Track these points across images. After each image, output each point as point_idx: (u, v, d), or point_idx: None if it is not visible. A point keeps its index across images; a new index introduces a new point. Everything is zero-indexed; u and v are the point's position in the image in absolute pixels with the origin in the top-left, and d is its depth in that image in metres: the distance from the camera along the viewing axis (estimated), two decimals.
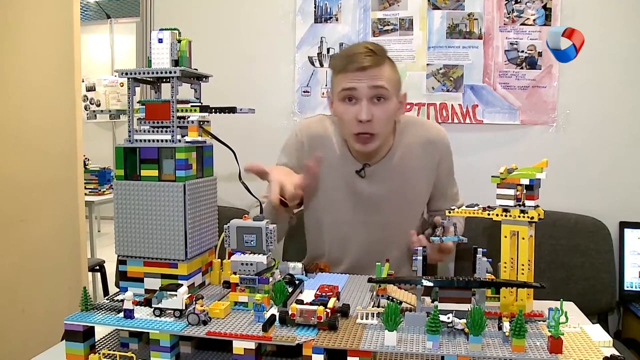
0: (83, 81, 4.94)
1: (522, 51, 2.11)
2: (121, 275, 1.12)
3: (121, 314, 0.99)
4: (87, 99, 5.90)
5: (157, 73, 1.08)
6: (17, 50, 1.88)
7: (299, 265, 1.23)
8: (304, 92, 2.27)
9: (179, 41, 1.10)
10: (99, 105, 5.86)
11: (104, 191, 3.78)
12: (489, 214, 1.03)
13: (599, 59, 2.07)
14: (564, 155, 2.11)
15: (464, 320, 0.89)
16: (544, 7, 2.08)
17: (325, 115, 1.67)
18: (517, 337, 0.84)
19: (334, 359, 0.89)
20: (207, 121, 1.14)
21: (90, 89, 5.88)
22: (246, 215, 1.12)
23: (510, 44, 2.11)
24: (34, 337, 1.88)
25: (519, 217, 1.00)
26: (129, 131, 1.11)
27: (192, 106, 1.09)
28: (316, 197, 1.62)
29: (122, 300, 0.99)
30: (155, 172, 1.08)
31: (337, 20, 2.22)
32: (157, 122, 1.10)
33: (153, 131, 1.10)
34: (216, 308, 0.99)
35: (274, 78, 2.31)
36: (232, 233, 1.09)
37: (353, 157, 1.56)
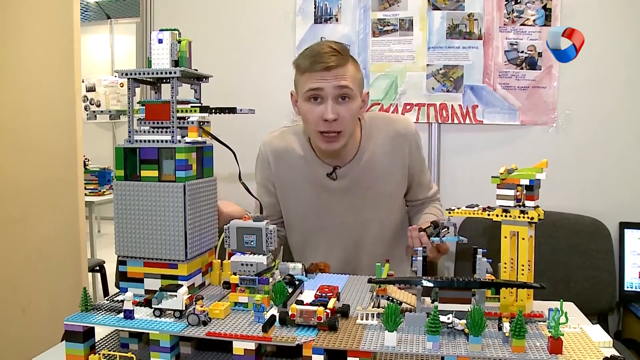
0: (83, 81, 4.94)
1: (522, 51, 2.11)
2: (121, 276, 1.12)
3: (121, 315, 0.99)
4: (87, 99, 5.90)
5: (157, 73, 1.08)
6: (17, 51, 1.88)
7: (299, 265, 1.23)
8: None
9: (179, 42, 1.10)
10: (99, 106, 5.86)
11: (104, 191, 3.78)
12: (489, 215, 1.03)
13: (598, 60, 2.07)
14: (564, 156, 2.11)
15: (464, 321, 0.89)
16: (544, 7, 2.08)
17: (287, 127, 1.67)
18: (517, 337, 0.84)
19: (334, 359, 0.89)
20: (207, 122, 1.14)
21: (91, 89, 5.89)
22: (246, 216, 1.12)
23: (510, 44, 2.11)
24: (34, 337, 1.88)
25: (519, 217, 1.00)
26: (129, 131, 1.11)
27: (192, 107, 1.09)
28: (292, 209, 1.63)
29: (122, 301, 0.99)
30: (155, 173, 1.08)
31: (337, 20, 2.22)
32: (157, 123, 1.10)
33: (153, 132, 1.10)
34: (216, 308, 0.99)
35: (274, 78, 2.30)
36: (232, 233, 1.09)
37: (322, 161, 1.56)
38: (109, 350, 1.02)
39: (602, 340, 0.98)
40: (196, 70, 1.14)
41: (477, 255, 1.03)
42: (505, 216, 1.02)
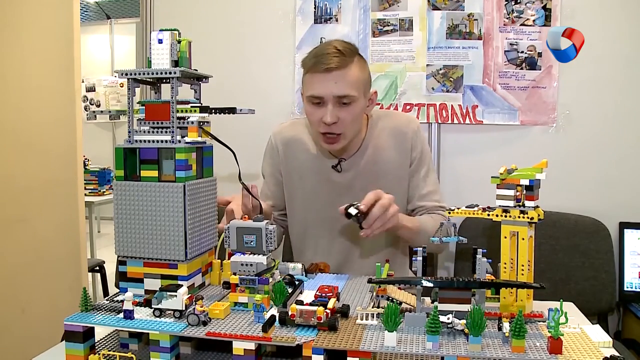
0: (83, 82, 4.93)
1: (522, 52, 2.11)
2: (121, 276, 1.12)
3: (121, 315, 0.99)
4: (87, 99, 5.90)
5: (157, 73, 1.08)
6: (17, 51, 1.88)
7: (299, 265, 1.23)
8: None
9: (179, 42, 1.10)
10: (98, 106, 5.86)
11: (104, 192, 3.78)
12: (488, 215, 1.03)
13: (598, 60, 2.07)
14: (563, 156, 2.11)
15: (464, 321, 0.89)
16: (544, 7, 2.08)
17: (299, 119, 1.71)
18: (517, 337, 0.85)
19: (333, 359, 0.89)
20: (207, 122, 1.14)
21: (90, 89, 5.89)
22: (246, 216, 1.12)
23: (510, 44, 2.11)
24: (34, 337, 1.88)
25: (519, 217, 1.00)
26: (129, 132, 1.11)
27: (192, 107, 1.09)
28: (295, 198, 1.65)
29: (122, 301, 0.99)
30: (155, 173, 1.08)
31: (337, 20, 2.22)
32: (157, 123, 1.10)
33: (153, 132, 1.10)
34: (216, 309, 0.99)
35: (274, 78, 2.31)
36: (232, 234, 1.09)
37: (328, 153, 1.60)
38: (109, 351, 1.02)
39: (602, 340, 0.98)
40: (196, 70, 1.14)
41: (477, 256, 1.03)
42: (505, 216, 1.02)
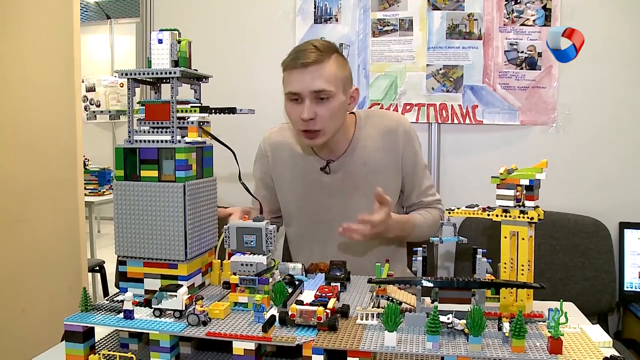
0: (83, 81, 4.93)
1: (522, 52, 2.11)
2: (121, 276, 1.12)
3: (121, 315, 0.99)
4: (87, 99, 5.89)
5: (157, 74, 1.08)
6: (17, 51, 1.88)
7: (299, 265, 1.23)
8: None
9: (179, 42, 1.10)
10: (98, 106, 5.85)
11: (104, 192, 3.78)
12: (488, 215, 1.03)
13: (598, 60, 2.07)
14: (563, 156, 2.11)
15: (464, 321, 0.89)
16: (544, 7, 2.08)
17: (287, 123, 1.70)
18: (517, 337, 0.85)
19: (333, 359, 0.89)
20: (207, 122, 1.14)
21: (90, 89, 5.88)
22: (246, 216, 1.12)
23: (510, 44, 2.11)
24: (34, 337, 1.88)
25: (519, 217, 1.00)
26: (129, 132, 1.11)
27: (192, 107, 1.09)
28: (288, 202, 1.66)
29: (122, 301, 0.99)
30: (155, 173, 1.08)
31: (337, 20, 2.22)
32: (157, 123, 1.10)
33: (153, 132, 1.10)
34: (216, 309, 0.99)
35: (274, 78, 2.28)
36: (232, 234, 1.09)
37: (316, 155, 1.59)
38: (109, 351, 1.02)
39: (602, 340, 0.98)
40: (196, 70, 1.14)
41: (477, 256, 1.03)
42: (505, 216, 1.02)
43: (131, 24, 5.92)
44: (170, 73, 1.07)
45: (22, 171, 1.91)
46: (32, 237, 1.94)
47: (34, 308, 1.96)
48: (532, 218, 1.00)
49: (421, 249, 1.08)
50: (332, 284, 1.12)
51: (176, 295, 0.98)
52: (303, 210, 1.63)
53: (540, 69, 2.10)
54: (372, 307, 1.03)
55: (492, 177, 1.03)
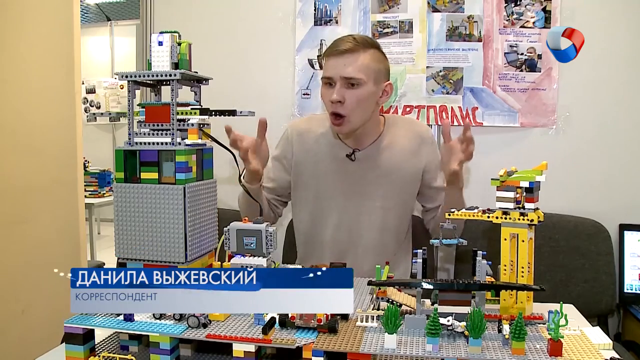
0: (83, 83, 4.94)
1: (522, 54, 2.11)
2: None
3: (121, 317, 0.99)
4: (87, 101, 5.89)
5: (157, 76, 1.08)
6: (17, 52, 1.88)
7: (299, 267, 1.23)
8: (304, 94, 2.27)
9: (179, 44, 1.10)
10: (99, 108, 5.85)
11: (104, 193, 3.79)
12: (488, 217, 1.04)
13: (598, 61, 2.07)
14: (563, 158, 2.11)
15: (464, 323, 0.89)
16: (544, 9, 2.08)
17: (316, 114, 1.78)
18: (517, 339, 0.85)
19: None
20: (207, 124, 1.14)
21: (90, 91, 5.88)
22: (246, 218, 1.12)
23: (510, 46, 2.11)
24: (34, 338, 1.88)
25: (519, 219, 1.00)
26: (129, 134, 1.11)
27: (192, 109, 1.09)
28: (306, 186, 1.67)
29: None
30: (155, 175, 1.08)
31: (337, 22, 2.23)
32: (157, 125, 1.10)
33: (153, 134, 1.11)
34: None
35: (274, 81, 2.31)
36: (232, 236, 1.09)
37: (343, 142, 1.63)
38: (109, 353, 1.02)
39: (602, 342, 0.98)
40: (196, 72, 1.14)
41: (477, 258, 1.03)
42: (505, 218, 1.02)
43: (131, 25, 5.92)
44: (170, 75, 1.07)
45: (22, 172, 1.91)
46: (31, 239, 1.94)
47: (34, 309, 1.95)
48: (532, 220, 1.00)
49: (421, 251, 1.08)
50: None
51: None
52: (322, 194, 1.65)
53: (540, 71, 2.10)
54: (372, 309, 1.03)
55: (492, 179, 1.03)
